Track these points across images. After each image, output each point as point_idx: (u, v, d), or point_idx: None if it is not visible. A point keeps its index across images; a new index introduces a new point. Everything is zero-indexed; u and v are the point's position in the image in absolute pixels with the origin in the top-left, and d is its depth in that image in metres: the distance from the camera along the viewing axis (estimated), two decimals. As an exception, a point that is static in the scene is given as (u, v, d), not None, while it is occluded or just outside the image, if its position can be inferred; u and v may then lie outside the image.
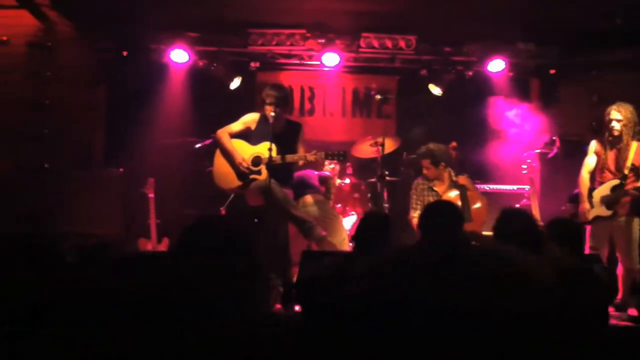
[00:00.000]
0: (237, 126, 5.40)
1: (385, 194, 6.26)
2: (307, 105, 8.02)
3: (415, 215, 5.72)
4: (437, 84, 7.61)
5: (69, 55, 6.88)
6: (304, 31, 7.12)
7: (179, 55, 7.08)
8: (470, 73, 7.63)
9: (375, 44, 7.33)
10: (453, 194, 5.55)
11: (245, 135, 5.41)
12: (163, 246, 6.73)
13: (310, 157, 5.11)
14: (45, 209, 6.40)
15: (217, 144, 5.40)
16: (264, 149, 5.11)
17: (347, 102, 7.98)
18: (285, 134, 5.24)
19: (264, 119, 5.36)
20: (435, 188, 5.80)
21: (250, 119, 5.43)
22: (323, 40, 7.27)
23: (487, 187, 6.72)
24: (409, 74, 7.78)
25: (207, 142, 6.39)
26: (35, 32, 6.74)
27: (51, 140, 6.68)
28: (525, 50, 7.54)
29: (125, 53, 7.06)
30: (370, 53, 7.41)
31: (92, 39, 6.98)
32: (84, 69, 7.10)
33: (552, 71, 7.70)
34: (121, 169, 6.84)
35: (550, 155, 6.77)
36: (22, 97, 6.54)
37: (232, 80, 7.41)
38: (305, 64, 7.66)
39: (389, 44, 7.34)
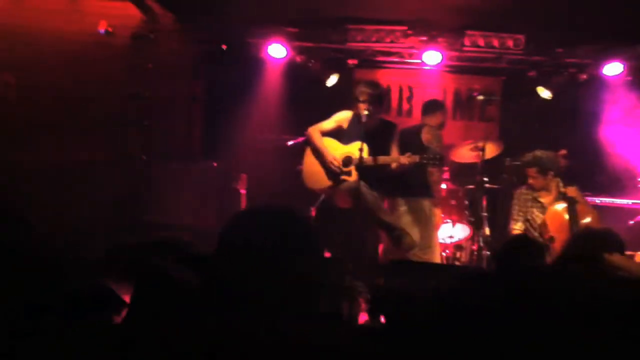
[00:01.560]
0: (329, 124, 5.23)
1: (484, 202, 5.87)
2: (406, 106, 7.74)
3: (516, 228, 5.33)
4: (546, 87, 7.12)
5: (170, 48, 6.96)
6: (405, 28, 6.81)
7: (276, 51, 6.99)
8: (584, 76, 7.08)
9: (481, 42, 6.91)
10: (560, 207, 5.10)
11: (337, 134, 5.23)
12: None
13: (404, 159, 4.86)
14: (140, 199, 6.51)
15: (308, 142, 5.25)
16: (355, 149, 4.91)
17: (448, 103, 7.61)
18: (378, 134, 5.01)
19: (356, 117, 5.16)
20: (540, 199, 5.38)
21: (342, 117, 5.24)
22: (425, 38, 6.95)
23: (599, 200, 6.19)
24: (516, 75, 7.33)
25: (300, 139, 6.25)
26: (139, 24, 6.86)
27: (151, 132, 6.79)
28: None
29: (224, 47, 7.04)
30: (475, 52, 7.01)
31: (192, 32, 7.00)
32: (184, 62, 7.17)
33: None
34: (215, 163, 6.84)
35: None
36: (124, 88, 6.65)
37: (329, 77, 7.25)
38: (405, 62, 7.37)
39: (495, 42, 6.91)
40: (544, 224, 5.11)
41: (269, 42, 6.96)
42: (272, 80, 7.19)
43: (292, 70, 7.25)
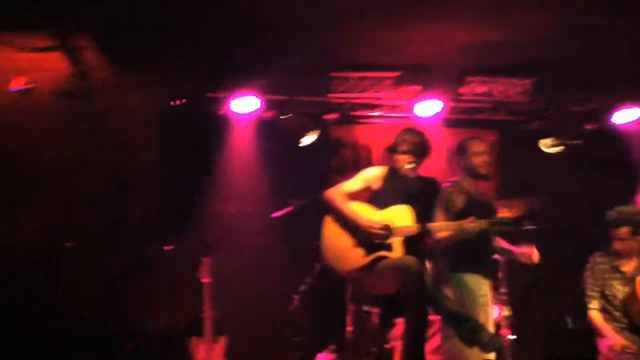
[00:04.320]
0: (354, 185, 4.05)
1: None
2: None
3: (594, 307, 4.23)
4: (553, 140, 6.23)
5: (108, 105, 5.60)
6: (398, 74, 5.80)
7: (244, 105, 5.76)
8: (597, 126, 6.23)
9: (480, 89, 6.00)
10: None
11: (366, 197, 4.06)
12: (219, 348, 5.24)
13: (469, 224, 3.68)
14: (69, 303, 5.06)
15: (329, 209, 3.98)
16: (395, 214, 3.79)
17: (443, 162, 6.56)
18: (420, 194, 3.83)
19: (392, 174, 3.98)
20: (622, 268, 4.31)
21: (372, 175, 4.08)
22: (418, 87, 5.94)
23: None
24: (515, 126, 6.42)
25: (288, 209, 5.04)
26: (68, 78, 5.48)
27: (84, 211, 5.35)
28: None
29: (179, 102, 5.74)
30: (473, 101, 6.08)
31: (140, 86, 5.67)
32: (129, 122, 5.79)
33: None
34: (169, 247, 5.43)
35: None
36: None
37: (303, 135, 6.08)
38: (391, 116, 6.34)
39: (497, 88, 6.02)
40: (632, 299, 4.05)
41: (235, 95, 5.74)
42: (240, 141, 5.94)
43: (261, 128, 6.02)
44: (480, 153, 4.11)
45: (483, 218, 3.73)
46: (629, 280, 4.19)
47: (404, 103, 6.14)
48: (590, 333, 4.30)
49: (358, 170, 6.78)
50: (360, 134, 6.56)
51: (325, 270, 4.52)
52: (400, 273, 3.60)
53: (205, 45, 5.17)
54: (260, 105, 5.81)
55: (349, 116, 6.34)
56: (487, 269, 4.05)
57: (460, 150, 4.22)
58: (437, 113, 5.97)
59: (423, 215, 3.82)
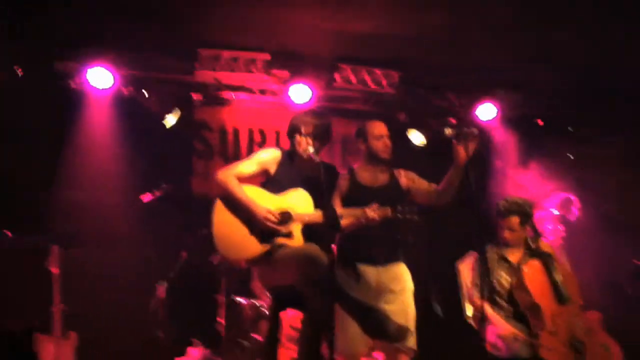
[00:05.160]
0: (248, 167, 3.66)
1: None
2: (257, 153, 6.39)
3: (483, 297, 4.18)
4: (419, 133, 6.35)
5: None
6: (268, 56, 5.57)
7: (99, 78, 5.24)
8: (455, 121, 6.41)
9: (353, 78, 5.93)
10: (535, 265, 4.18)
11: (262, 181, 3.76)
12: (69, 344, 4.75)
13: (372, 213, 3.52)
14: None
15: (222, 193, 3.60)
16: (296, 200, 3.56)
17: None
18: (318, 180, 3.55)
19: (288, 158, 3.73)
20: (509, 258, 4.27)
21: (268, 157, 3.71)
22: (288, 72, 5.75)
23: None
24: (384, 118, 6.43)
25: (158, 194, 4.66)
26: None
27: None
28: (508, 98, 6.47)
29: (20, 72, 5.08)
30: (346, 90, 6.00)
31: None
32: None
33: (540, 122, 6.69)
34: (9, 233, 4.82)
35: (572, 217, 5.56)
36: None
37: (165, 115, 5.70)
38: (260, 100, 6.11)
39: (367, 79, 5.98)
40: (519, 288, 4.10)
41: (89, 66, 5.20)
42: (97, 120, 5.39)
43: (120, 107, 5.52)
44: (381, 137, 3.89)
45: (385, 206, 3.53)
46: (515, 269, 4.19)
47: (275, 87, 5.93)
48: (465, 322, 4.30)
49: (224, 156, 6.59)
50: (228, 117, 6.25)
51: (192, 260, 4.25)
52: (304, 262, 3.30)
53: (53, 9, 4.62)
54: (116, 81, 5.32)
55: (216, 97, 6.02)
56: (394, 258, 3.83)
57: (360, 134, 3.97)
58: (310, 100, 5.83)
59: (320, 203, 3.56)
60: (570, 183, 5.75)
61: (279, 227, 3.49)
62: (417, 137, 6.37)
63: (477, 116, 6.31)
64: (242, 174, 3.61)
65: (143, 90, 5.49)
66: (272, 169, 3.68)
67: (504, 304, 4.20)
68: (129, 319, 5.05)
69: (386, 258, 3.81)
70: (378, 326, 3.48)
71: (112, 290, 5.06)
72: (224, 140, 6.25)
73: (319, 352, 3.36)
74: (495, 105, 6.26)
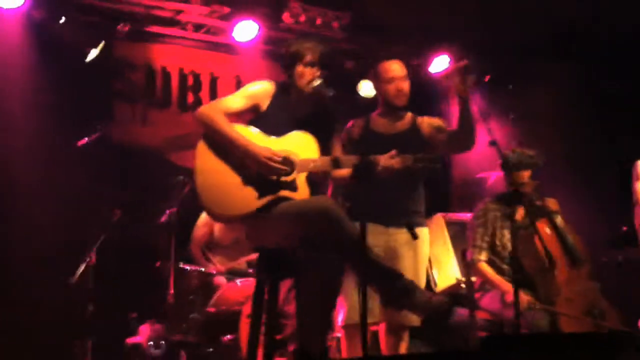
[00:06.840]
0: (238, 102, 2.94)
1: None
2: (190, 98, 5.63)
3: (483, 259, 3.84)
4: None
5: None
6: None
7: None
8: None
9: (303, 18, 5.32)
10: (543, 225, 3.77)
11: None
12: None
13: (387, 161, 2.89)
14: None
15: (207, 133, 2.88)
16: (298, 143, 2.90)
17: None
18: (317, 121, 2.98)
19: (284, 92, 3.04)
20: (515, 216, 3.75)
21: (260, 90, 2.99)
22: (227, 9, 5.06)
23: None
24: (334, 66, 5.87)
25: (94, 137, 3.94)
26: None
27: None
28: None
29: None
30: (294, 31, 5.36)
31: None
32: None
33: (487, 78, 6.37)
34: None
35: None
36: None
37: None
38: (195, 37, 5.38)
39: (317, 19, 5.39)
40: (528, 250, 3.67)
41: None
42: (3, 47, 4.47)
43: (31, 34, 4.62)
44: (392, 80, 3.30)
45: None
46: (523, 229, 3.74)
47: (213, 23, 5.22)
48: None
49: (149, 99, 5.80)
50: (158, 55, 5.45)
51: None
52: (317, 218, 2.65)
53: None
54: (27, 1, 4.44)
55: (142, 32, 5.22)
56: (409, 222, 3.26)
57: (373, 76, 3.40)
58: (254, 39, 5.16)
59: (324, 148, 2.93)
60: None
61: (283, 171, 2.83)
62: (368, 89, 5.88)
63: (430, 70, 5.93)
64: (229, 109, 2.90)
65: (59, 15, 4.61)
66: (264, 104, 2.99)
67: (505, 267, 3.79)
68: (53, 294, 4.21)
69: (399, 220, 3.29)
70: (405, 296, 2.87)
71: (30, 263, 4.24)
72: (151, 82, 5.46)
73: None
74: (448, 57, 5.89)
